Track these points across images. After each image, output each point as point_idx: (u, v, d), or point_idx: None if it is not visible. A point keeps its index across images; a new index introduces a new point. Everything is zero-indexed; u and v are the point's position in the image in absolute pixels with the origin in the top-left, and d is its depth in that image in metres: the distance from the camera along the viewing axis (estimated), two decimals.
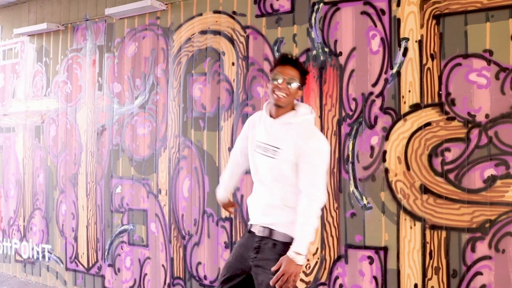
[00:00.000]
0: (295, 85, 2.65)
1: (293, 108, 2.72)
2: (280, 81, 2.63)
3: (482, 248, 3.20)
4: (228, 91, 4.09)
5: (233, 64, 4.07)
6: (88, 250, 4.88)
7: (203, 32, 4.22)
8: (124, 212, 4.64)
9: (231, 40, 4.08)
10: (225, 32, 4.11)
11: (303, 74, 2.71)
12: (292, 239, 2.59)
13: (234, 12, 4.08)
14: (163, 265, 4.39)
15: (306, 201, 2.57)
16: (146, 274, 4.49)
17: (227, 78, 4.09)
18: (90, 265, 4.86)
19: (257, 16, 3.97)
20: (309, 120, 2.71)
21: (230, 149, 4.05)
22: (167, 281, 4.36)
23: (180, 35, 4.35)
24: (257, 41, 3.97)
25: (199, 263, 4.19)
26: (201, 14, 4.24)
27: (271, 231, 2.66)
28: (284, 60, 2.69)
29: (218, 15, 4.15)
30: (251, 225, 2.80)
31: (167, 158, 4.39)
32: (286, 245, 2.61)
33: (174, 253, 4.33)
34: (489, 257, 3.18)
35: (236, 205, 3.40)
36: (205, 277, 4.16)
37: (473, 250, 3.21)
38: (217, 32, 4.15)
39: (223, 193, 3.17)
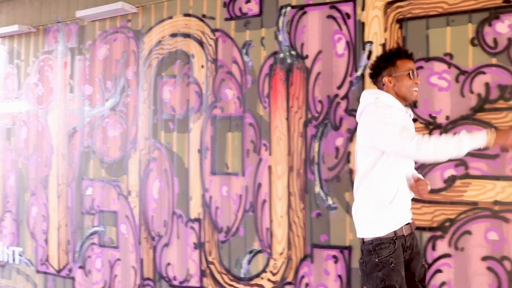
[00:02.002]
0: None
1: None
2: (416, 76, 2.66)
3: (442, 246, 3.28)
4: (197, 93, 4.13)
5: (202, 66, 4.11)
6: (58, 252, 4.86)
7: (173, 35, 4.26)
8: (94, 214, 4.64)
9: (201, 43, 4.13)
10: (195, 35, 4.16)
11: None
12: None
13: (203, 15, 4.13)
14: (133, 267, 4.40)
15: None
16: (116, 276, 4.49)
17: (197, 80, 4.13)
18: (61, 267, 4.85)
19: (226, 19, 4.03)
20: None
21: (199, 151, 4.09)
22: (137, 282, 4.37)
23: (150, 38, 4.38)
24: (226, 44, 4.03)
25: (169, 264, 4.21)
26: (171, 17, 4.28)
27: (413, 225, 2.71)
28: (409, 55, 2.69)
29: (188, 18, 4.19)
30: (395, 231, 2.59)
31: (137, 160, 4.41)
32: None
33: (144, 254, 4.34)
34: (449, 255, 3.26)
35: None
36: (174, 278, 4.18)
37: (433, 248, 3.29)
38: (187, 35, 4.19)
39: None
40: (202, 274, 4.05)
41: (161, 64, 4.31)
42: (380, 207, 2.55)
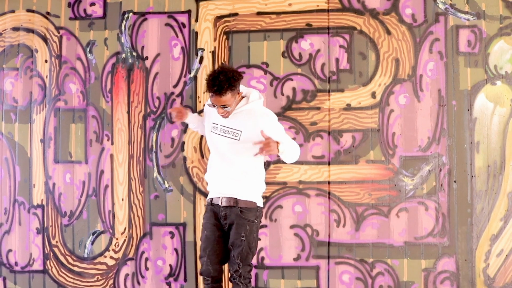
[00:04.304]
0: (229, 106, 3.13)
1: (243, 96, 3.27)
2: (217, 108, 3.16)
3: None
4: (40, 86, 4.34)
5: (46, 61, 4.34)
6: None
7: (16, 29, 4.39)
8: None
9: (45, 39, 4.35)
10: (38, 31, 4.36)
11: (233, 86, 3.09)
12: (255, 203, 3.27)
13: (48, 13, 4.35)
14: None
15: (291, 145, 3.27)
16: None
17: (40, 74, 4.35)
18: None
19: (70, 18, 4.32)
20: (258, 104, 3.28)
21: (42, 141, 4.31)
22: None
23: None
24: (70, 42, 4.32)
25: (10, 250, 4.35)
26: (13, 11, 4.40)
27: (236, 200, 3.22)
28: (211, 91, 3.09)
29: (32, 14, 4.37)
30: (211, 199, 3.32)
31: None
32: (250, 210, 3.23)
33: None
34: (265, 226, 4.02)
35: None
36: (16, 264, 4.33)
37: None
38: (30, 30, 4.37)
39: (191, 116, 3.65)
40: (46, 257, 4.29)
41: (1, 56, 4.41)
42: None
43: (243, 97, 3.28)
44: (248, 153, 3.20)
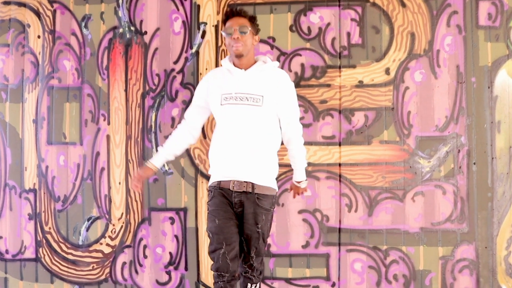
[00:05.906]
0: (247, 32, 2.84)
1: (255, 60, 2.93)
2: (233, 33, 2.82)
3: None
4: (33, 63, 4.11)
5: (38, 37, 4.11)
6: None
7: (7, 3, 4.16)
8: None
9: (37, 13, 4.12)
10: (31, 5, 4.13)
11: (253, 21, 2.92)
12: (273, 190, 2.91)
13: None
14: None
15: (298, 137, 2.97)
16: None
17: (32, 50, 4.11)
18: None
19: None
20: (276, 65, 2.97)
21: (34, 121, 4.08)
22: None
23: None
24: (64, 16, 4.08)
25: (0, 237, 4.12)
26: None
27: (252, 185, 2.80)
28: (231, 14, 2.88)
29: None
30: (219, 182, 2.84)
31: None
32: (267, 198, 2.86)
33: None
34: None
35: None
36: (6, 251, 4.11)
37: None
38: (22, 4, 4.14)
39: (158, 161, 3.03)
40: (38, 245, 4.06)
41: None
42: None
43: (256, 61, 2.95)
44: (271, 123, 2.87)
